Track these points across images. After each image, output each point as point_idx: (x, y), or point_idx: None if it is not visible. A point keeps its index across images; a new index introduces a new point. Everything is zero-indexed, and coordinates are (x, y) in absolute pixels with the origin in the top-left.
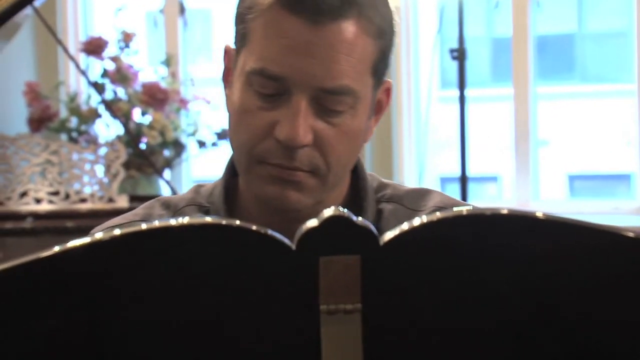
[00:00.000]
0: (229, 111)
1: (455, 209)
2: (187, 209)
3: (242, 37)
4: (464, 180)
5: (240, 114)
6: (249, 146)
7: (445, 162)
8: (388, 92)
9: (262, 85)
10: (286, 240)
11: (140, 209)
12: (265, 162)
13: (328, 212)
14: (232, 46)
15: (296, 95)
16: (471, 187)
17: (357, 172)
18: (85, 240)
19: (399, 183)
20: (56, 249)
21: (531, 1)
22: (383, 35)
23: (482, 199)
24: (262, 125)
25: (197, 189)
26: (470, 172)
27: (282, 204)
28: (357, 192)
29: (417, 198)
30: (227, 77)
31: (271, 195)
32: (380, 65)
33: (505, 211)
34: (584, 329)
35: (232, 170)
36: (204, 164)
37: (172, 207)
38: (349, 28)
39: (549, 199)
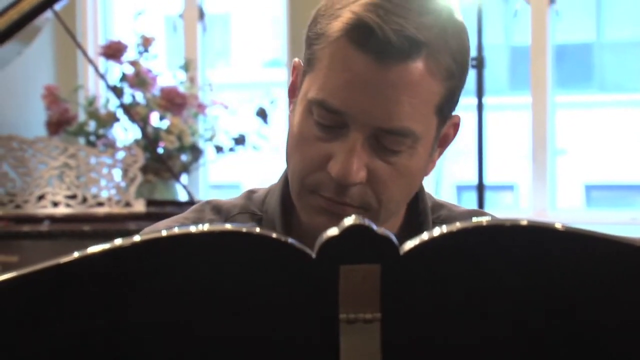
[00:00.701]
0: (289, 128)
1: (474, 219)
2: (239, 216)
3: (308, 62)
4: (480, 188)
5: (298, 139)
6: (303, 175)
7: (462, 170)
8: (456, 126)
9: (321, 116)
10: (307, 249)
11: (191, 213)
12: (316, 192)
13: (348, 220)
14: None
15: (354, 132)
16: (488, 196)
17: (417, 196)
18: (106, 246)
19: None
20: (76, 254)
21: (550, 10)
22: (452, 76)
23: (498, 207)
24: (318, 156)
25: (249, 195)
26: (487, 181)
27: None
28: (417, 215)
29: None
30: (292, 92)
31: (319, 226)
32: (446, 104)
33: (524, 222)
34: (603, 340)
35: (287, 180)
36: (221, 169)
37: (223, 213)
38: (415, 70)
39: (566, 208)
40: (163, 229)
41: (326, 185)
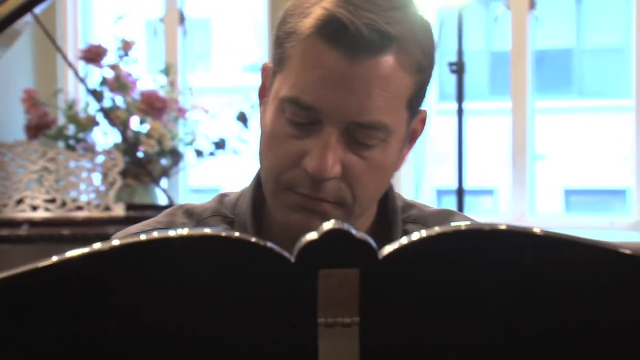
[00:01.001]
0: (261, 129)
1: (453, 224)
2: (211, 219)
3: (279, 61)
4: (460, 193)
5: (270, 139)
6: (277, 172)
7: (442, 174)
8: (423, 121)
9: (294, 114)
10: (285, 253)
11: (163, 217)
12: (291, 190)
13: (327, 225)
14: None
15: (327, 127)
16: (467, 200)
17: (386, 194)
18: (84, 250)
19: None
20: (54, 258)
21: (530, 15)
22: (422, 70)
23: (478, 212)
24: (292, 154)
25: (221, 198)
26: (467, 185)
27: (306, 232)
28: (387, 214)
29: (441, 220)
30: (262, 94)
31: (295, 223)
32: (416, 98)
33: (503, 227)
34: (580, 343)
35: (259, 182)
36: (201, 173)
37: (195, 216)
38: (386, 64)
39: (545, 213)
40: (135, 233)
41: (301, 182)
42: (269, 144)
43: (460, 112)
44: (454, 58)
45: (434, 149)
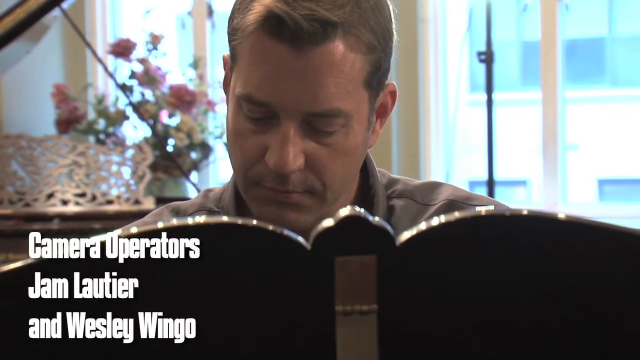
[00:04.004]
0: (226, 124)
1: (478, 208)
2: (196, 214)
3: (232, 57)
4: (491, 184)
5: (233, 135)
6: (244, 168)
7: (473, 165)
8: (393, 94)
9: (251, 110)
10: (302, 241)
11: (150, 217)
12: (260, 184)
13: (344, 211)
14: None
15: (284, 121)
16: (500, 191)
17: (366, 170)
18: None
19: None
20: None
21: (560, 4)
22: (374, 49)
23: (510, 202)
24: (254, 149)
25: (206, 193)
26: (498, 176)
27: (281, 224)
28: (368, 190)
29: (427, 192)
30: (226, 86)
31: (269, 216)
32: (374, 77)
33: (525, 212)
34: (605, 329)
35: None
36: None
37: (181, 213)
38: (334, 50)
39: (578, 202)
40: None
41: (267, 176)
42: (233, 140)
43: (490, 102)
44: (483, 47)
45: (465, 140)
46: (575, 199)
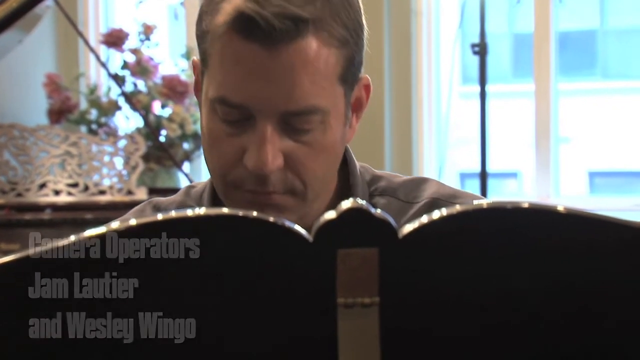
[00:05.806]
0: (200, 129)
1: (476, 202)
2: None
3: (202, 60)
4: (483, 176)
5: (210, 139)
6: (222, 173)
7: (465, 157)
8: (367, 87)
9: (226, 113)
10: (304, 233)
11: (132, 213)
12: (240, 188)
13: (346, 204)
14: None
15: (261, 121)
16: (491, 183)
17: (347, 169)
18: (99, 229)
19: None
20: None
21: None
22: (347, 43)
23: (502, 194)
24: (232, 152)
25: (188, 190)
26: (490, 168)
27: None
28: (348, 188)
29: (411, 189)
30: (197, 91)
31: None
32: (348, 71)
33: (526, 205)
34: (604, 322)
35: None
36: None
37: (162, 210)
38: (307, 47)
39: (570, 195)
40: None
41: (247, 179)
42: (209, 145)
43: (483, 94)
44: (476, 40)
45: (457, 132)
46: (567, 191)
